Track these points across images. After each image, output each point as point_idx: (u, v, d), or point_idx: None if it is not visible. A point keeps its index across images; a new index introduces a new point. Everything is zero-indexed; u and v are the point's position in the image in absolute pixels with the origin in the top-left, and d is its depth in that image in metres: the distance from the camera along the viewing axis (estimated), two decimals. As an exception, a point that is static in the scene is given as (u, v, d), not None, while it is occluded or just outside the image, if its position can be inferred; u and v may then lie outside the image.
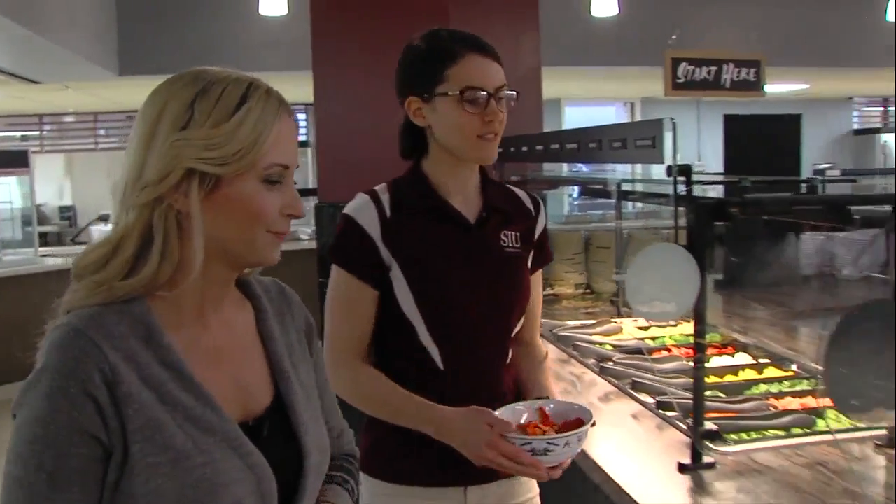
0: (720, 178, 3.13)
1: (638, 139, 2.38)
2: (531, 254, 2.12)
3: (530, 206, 2.15)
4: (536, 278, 2.16)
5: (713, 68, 5.27)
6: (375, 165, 4.10)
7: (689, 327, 3.68)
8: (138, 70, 7.77)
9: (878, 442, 2.35)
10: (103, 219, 11.09)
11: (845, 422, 2.54)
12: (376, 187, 2.02)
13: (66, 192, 12.21)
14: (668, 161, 2.14)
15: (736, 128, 6.10)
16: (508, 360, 2.07)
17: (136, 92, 9.41)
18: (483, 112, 1.93)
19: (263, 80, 1.31)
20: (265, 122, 1.27)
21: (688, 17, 8.28)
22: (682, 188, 2.14)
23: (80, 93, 9.51)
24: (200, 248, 1.25)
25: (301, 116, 12.45)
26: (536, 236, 2.13)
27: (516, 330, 2.08)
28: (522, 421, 1.83)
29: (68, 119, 12.64)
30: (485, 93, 1.93)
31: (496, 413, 1.82)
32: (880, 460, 2.27)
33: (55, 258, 7.94)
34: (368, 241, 1.96)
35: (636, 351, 3.35)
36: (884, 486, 2.09)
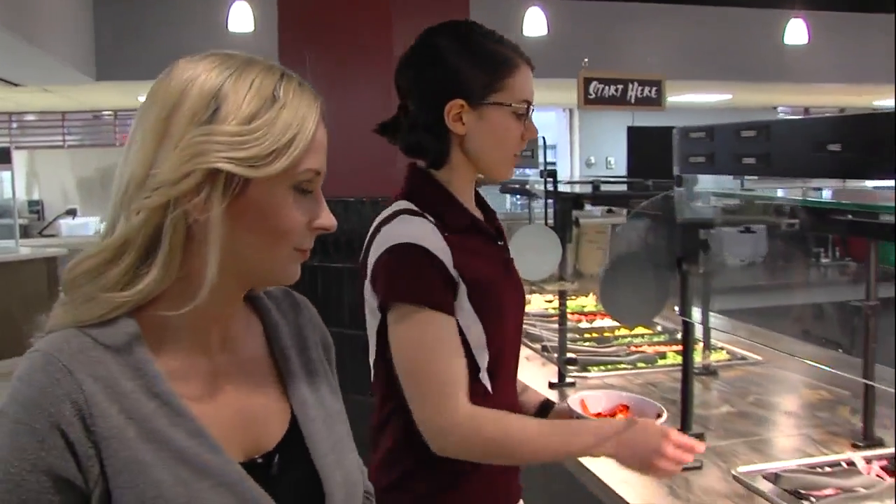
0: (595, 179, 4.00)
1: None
2: None
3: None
4: None
5: (620, 86, 6.09)
6: (334, 162, 4.90)
7: (582, 300, 4.59)
8: (114, 76, 8.46)
9: (695, 370, 3.24)
10: (70, 213, 11.79)
11: (679, 359, 3.44)
12: (405, 205, 1.73)
13: (34, 187, 12.79)
14: (541, 167, 3.00)
15: (638, 138, 7.01)
16: None
17: (107, 94, 10.14)
18: (525, 129, 1.76)
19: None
20: (302, 118, 1.08)
21: (609, 37, 9.21)
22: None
23: (55, 95, 10.16)
24: (215, 263, 1.06)
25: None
26: None
27: None
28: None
29: (33, 117, 13.21)
30: (529, 109, 1.77)
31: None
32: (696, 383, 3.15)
33: (26, 248, 8.66)
34: (443, 268, 1.65)
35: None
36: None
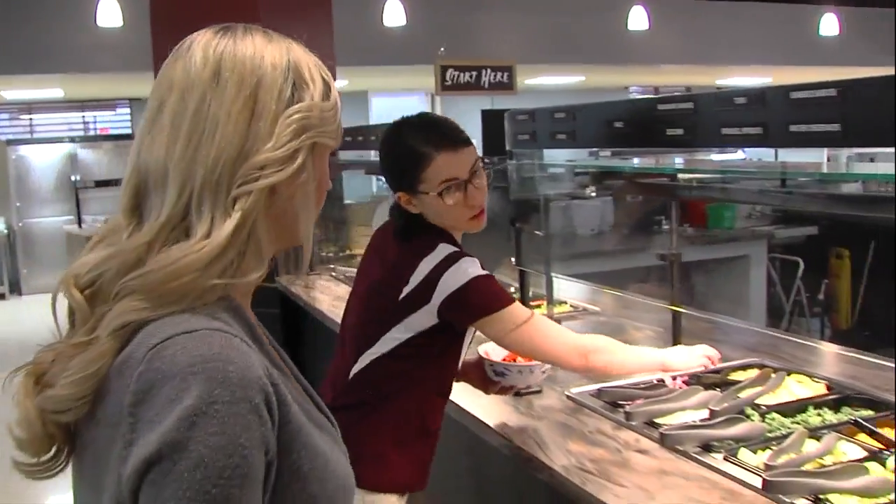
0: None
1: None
2: None
3: None
4: None
5: (474, 72, 6.56)
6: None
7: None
8: (-21, 70, 8.51)
9: (558, 318, 3.73)
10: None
11: (542, 310, 3.93)
12: (452, 248, 2.20)
13: None
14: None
15: (491, 119, 7.59)
16: None
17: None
18: (464, 198, 2.16)
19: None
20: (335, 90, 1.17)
21: (465, 25, 9.70)
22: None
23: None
24: (309, 235, 1.14)
25: (125, 111, 13.24)
26: None
27: None
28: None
29: None
30: (460, 181, 2.14)
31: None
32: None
33: None
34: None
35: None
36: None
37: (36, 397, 1.03)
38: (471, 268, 2.15)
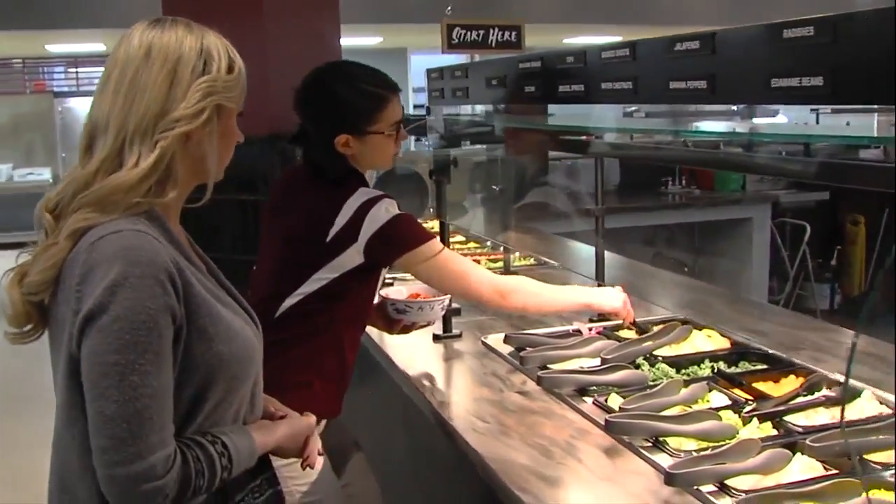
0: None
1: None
2: None
3: None
4: None
5: (481, 31, 6.58)
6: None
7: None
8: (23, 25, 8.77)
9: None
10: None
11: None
12: (373, 191, 2.34)
13: None
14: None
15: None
16: None
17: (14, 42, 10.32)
18: (397, 136, 2.38)
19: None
20: (242, 65, 1.56)
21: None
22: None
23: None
24: (214, 166, 1.52)
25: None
26: None
27: None
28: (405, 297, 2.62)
29: None
30: (400, 122, 2.37)
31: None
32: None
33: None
34: None
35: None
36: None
37: (18, 286, 1.45)
38: (391, 206, 2.32)
